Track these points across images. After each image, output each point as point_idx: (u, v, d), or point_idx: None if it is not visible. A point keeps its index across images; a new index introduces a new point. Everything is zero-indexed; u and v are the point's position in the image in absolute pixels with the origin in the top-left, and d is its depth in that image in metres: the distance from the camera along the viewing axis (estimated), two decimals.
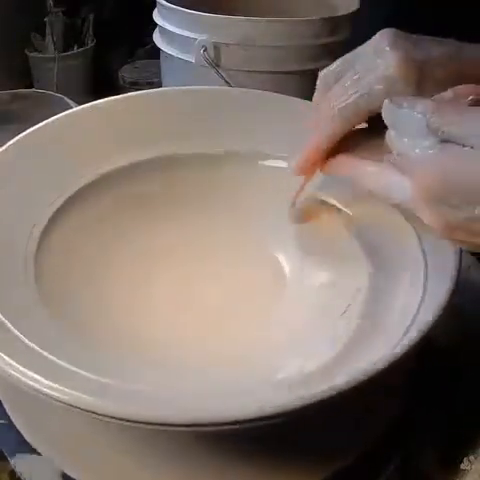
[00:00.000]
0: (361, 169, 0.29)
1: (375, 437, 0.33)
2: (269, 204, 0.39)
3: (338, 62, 0.31)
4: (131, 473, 0.31)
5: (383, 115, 0.26)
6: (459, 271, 0.28)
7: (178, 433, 0.29)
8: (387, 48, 0.27)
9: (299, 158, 0.32)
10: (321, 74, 0.31)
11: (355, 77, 0.29)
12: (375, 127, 0.29)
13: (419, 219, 0.25)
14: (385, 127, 0.26)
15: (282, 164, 0.39)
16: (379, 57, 0.28)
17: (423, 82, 0.27)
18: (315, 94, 0.32)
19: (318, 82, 0.31)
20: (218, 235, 0.39)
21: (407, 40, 0.28)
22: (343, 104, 0.29)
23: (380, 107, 0.27)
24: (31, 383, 0.24)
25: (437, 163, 0.23)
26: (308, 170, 0.32)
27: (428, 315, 0.26)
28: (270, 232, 0.39)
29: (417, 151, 0.24)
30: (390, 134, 0.26)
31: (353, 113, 0.29)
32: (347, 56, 0.30)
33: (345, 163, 0.30)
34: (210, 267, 0.38)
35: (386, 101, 0.26)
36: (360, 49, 0.30)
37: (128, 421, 0.23)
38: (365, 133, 0.30)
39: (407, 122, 0.25)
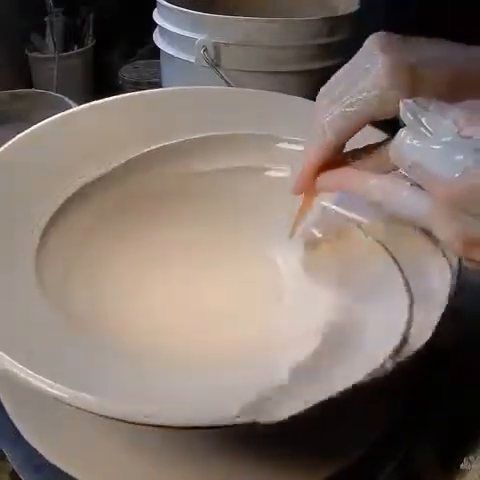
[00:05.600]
0: (365, 183, 0.27)
1: (375, 437, 0.33)
2: (269, 206, 0.39)
3: (331, 77, 0.29)
4: (134, 473, 0.31)
5: (402, 115, 0.24)
6: (459, 276, 0.28)
7: (181, 434, 0.29)
8: (376, 52, 0.26)
9: (297, 176, 0.30)
10: (319, 92, 0.30)
11: (345, 88, 0.27)
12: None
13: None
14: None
15: (283, 166, 0.39)
16: (369, 62, 0.26)
17: (417, 86, 0.25)
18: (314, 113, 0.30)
19: (316, 101, 0.30)
20: (218, 237, 0.39)
21: (398, 43, 0.27)
22: (331, 116, 0.27)
23: (372, 115, 0.26)
24: (39, 384, 0.24)
25: (470, 175, 0.22)
26: (307, 188, 0.31)
27: (431, 321, 0.26)
28: (271, 234, 0.39)
29: (445, 161, 0.22)
30: (403, 141, 0.24)
31: (342, 124, 0.27)
32: (340, 69, 0.29)
33: (346, 177, 0.28)
34: (209, 268, 0.38)
35: (408, 101, 0.24)
36: (351, 60, 0.28)
37: (136, 423, 0.23)
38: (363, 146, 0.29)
39: (433, 127, 0.23)
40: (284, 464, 0.31)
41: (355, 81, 0.27)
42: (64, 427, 0.32)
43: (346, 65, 0.29)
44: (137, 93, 0.42)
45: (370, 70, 0.26)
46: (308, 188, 0.31)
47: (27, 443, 0.32)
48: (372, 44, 0.27)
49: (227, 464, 0.31)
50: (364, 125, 0.27)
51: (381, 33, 0.27)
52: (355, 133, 0.28)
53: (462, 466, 0.33)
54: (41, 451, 0.32)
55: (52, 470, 0.31)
